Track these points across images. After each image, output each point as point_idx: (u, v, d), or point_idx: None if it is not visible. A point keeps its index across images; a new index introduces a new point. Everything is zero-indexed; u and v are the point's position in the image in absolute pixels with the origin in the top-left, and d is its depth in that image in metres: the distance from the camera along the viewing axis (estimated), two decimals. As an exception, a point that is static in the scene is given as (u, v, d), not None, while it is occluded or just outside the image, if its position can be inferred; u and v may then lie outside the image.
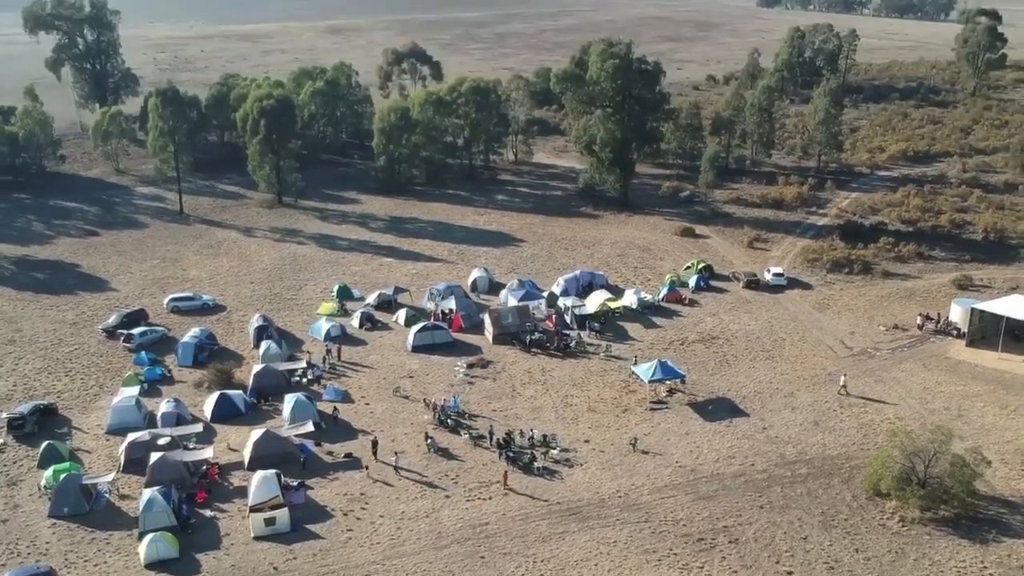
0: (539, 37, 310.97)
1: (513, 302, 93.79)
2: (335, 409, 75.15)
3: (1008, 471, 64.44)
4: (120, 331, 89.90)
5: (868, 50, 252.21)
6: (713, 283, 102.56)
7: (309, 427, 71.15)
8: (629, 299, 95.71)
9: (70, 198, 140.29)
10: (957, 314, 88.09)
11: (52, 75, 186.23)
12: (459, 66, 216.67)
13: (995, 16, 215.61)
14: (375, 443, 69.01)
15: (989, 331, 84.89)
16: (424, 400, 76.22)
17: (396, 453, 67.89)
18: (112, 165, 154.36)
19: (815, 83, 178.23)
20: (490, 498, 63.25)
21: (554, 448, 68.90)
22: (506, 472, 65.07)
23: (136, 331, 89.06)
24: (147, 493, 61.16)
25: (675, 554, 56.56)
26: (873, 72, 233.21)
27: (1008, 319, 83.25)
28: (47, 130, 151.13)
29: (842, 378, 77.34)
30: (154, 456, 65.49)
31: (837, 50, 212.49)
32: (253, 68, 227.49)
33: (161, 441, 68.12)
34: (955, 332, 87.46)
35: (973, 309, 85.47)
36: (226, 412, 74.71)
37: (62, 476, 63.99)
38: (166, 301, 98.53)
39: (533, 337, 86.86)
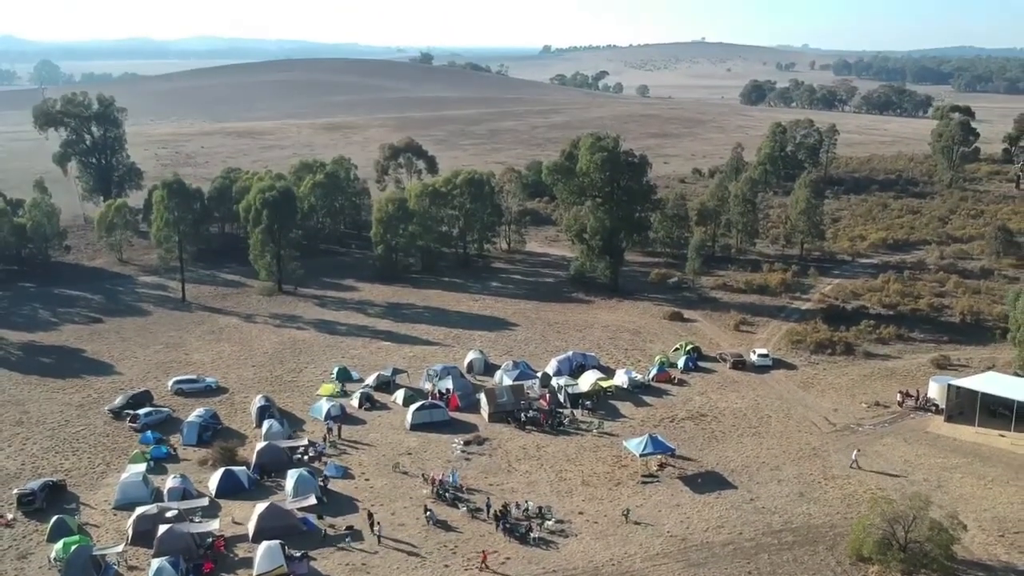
0: (530, 133, 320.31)
1: (508, 382, 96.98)
2: (325, 479, 77.87)
3: (985, 537, 67.18)
4: (126, 412, 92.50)
5: (849, 145, 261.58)
6: (701, 364, 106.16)
7: (312, 500, 73.75)
8: (620, 379, 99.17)
9: (74, 287, 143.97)
10: (935, 391, 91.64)
11: (55, 169, 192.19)
12: (453, 160, 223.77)
13: (968, 112, 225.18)
14: (370, 515, 71.46)
15: (966, 407, 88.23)
16: (423, 475, 78.73)
17: (378, 523, 70.32)
18: (116, 255, 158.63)
19: (797, 176, 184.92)
20: (487, 567, 65.37)
21: (549, 519, 71.28)
22: (484, 552, 66.66)
23: (142, 411, 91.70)
24: (155, 563, 63.45)
25: (667, 617, 58.65)
26: (854, 165, 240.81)
27: (983, 395, 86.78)
28: (53, 221, 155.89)
29: (854, 453, 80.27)
30: (162, 528, 67.62)
31: (818, 144, 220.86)
32: (253, 163, 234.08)
33: (169, 514, 70.28)
34: (934, 408, 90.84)
35: (950, 385, 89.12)
36: (230, 487, 77.05)
37: (72, 548, 65.93)
38: (170, 383, 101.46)
39: (528, 415, 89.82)
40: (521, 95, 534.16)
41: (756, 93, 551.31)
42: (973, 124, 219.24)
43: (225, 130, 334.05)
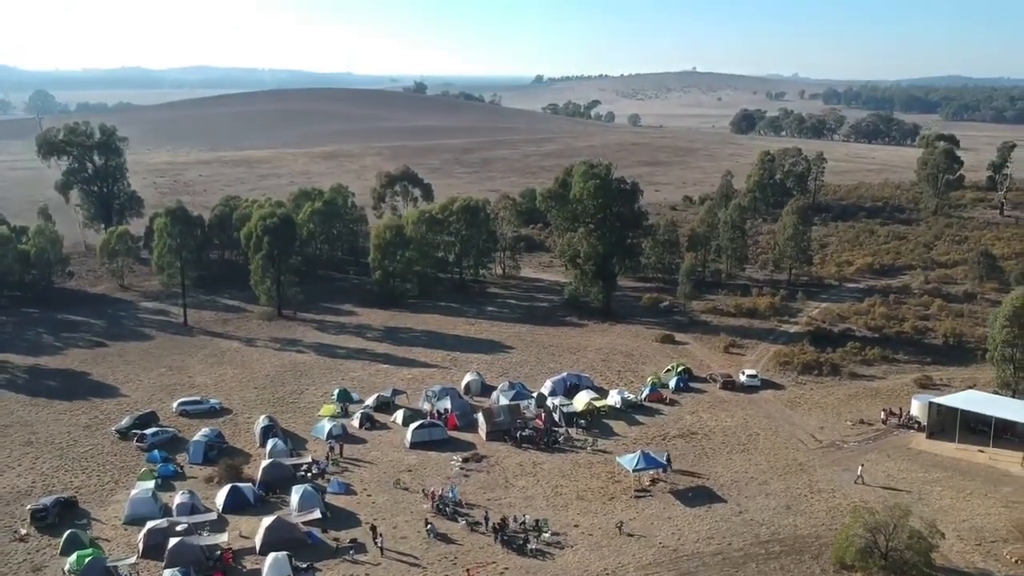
0: (523, 162, 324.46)
1: (505, 402, 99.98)
2: (323, 492, 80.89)
3: (963, 546, 70.28)
4: (133, 432, 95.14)
5: (837, 172, 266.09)
6: (692, 384, 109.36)
7: (316, 515, 76.50)
8: (613, 399, 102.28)
9: (77, 312, 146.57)
10: (917, 409, 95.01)
11: (55, 197, 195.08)
12: (448, 188, 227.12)
13: (952, 140, 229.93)
14: (374, 528, 74.16)
15: (947, 424, 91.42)
16: (423, 490, 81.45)
17: (381, 534, 73.13)
18: (117, 281, 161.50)
19: (786, 203, 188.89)
20: (484, 580, 68.19)
21: (545, 532, 74.02)
22: (468, 570, 69.07)
23: (148, 431, 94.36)
24: (167, 573, 66.18)
25: (659, 622, 61.33)
26: (842, 193, 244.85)
27: (963, 412, 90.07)
28: (57, 248, 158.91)
29: (860, 468, 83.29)
30: (172, 541, 70.18)
31: (806, 172, 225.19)
32: (250, 191, 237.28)
33: (179, 528, 72.98)
34: (916, 426, 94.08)
35: (931, 403, 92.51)
36: (237, 503, 79.62)
37: (87, 559, 68.47)
38: (175, 405, 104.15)
39: (524, 433, 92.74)
40: (514, 124, 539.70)
41: (746, 122, 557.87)
42: (958, 152, 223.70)
43: (222, 159, 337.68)
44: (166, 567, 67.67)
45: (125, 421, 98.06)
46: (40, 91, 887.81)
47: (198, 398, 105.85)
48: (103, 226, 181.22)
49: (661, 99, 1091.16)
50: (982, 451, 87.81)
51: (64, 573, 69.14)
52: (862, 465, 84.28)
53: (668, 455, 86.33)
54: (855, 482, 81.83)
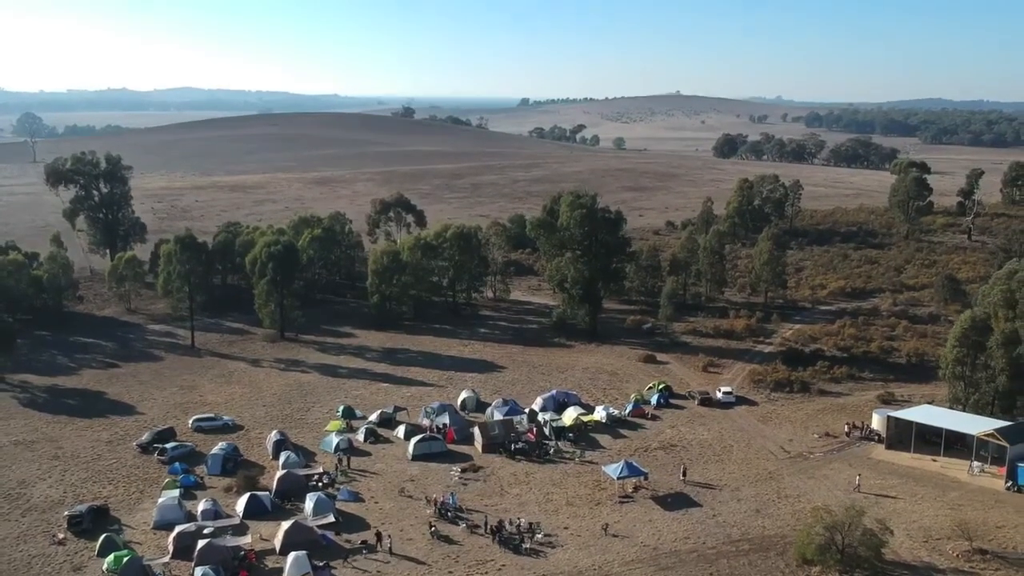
0: (512, 187, 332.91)
1: (499, 417, 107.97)
2: (334, 498, 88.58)
3: (912, 543, 78.60)
4: (154, 446, 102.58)
5: (815, 198, 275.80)
6: (672, 401, 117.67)
7: (330, 519, 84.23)
8: (599, 414, 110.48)
9: (88, 335, 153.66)
10: (877, 422, 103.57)
11: (58, 223, 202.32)
12: (439, 213, 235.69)
13: (923, 168, 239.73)
14: (379, 534, 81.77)
15: (904, 436, 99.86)
16: (426, 497, 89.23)
17: (388, 536, 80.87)
18: (125, 305, 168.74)
19: (764, 228, 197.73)
20: (486, 574, 75.86)
21: (538, 533, 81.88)
22: None
23: (168, 446, 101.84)
24: (198, 571, 73.63)
25: (640, 609, 69.20)
26: (818, 218, 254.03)
27: (918, 425, 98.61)
28: (68, 273, 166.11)
29: (857, 478, 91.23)
30: (201, 543, 77.64)
31: (784, 198, 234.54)
32: (247, 216, 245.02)
33: (206, 531, 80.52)
34: (877, 438, 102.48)
35: (889, 417, 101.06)
36: (256, 510, 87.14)
37: (125, 559, 75.90)
38: (190, 421, 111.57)
39: (517, 446, 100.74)
40: (501, 148, 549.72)
41: (728, 146, 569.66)
42: (935, 176, 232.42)
43: (217, 184, 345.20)
44: (196, 566, 75.03)
45: (146, 436, 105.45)
46: (28, 113, 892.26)
47: (212, 415, 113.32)
48: (108, 252, 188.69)
49: (646, 122, 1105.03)
50: (935, 460, 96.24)
51: (103, 572, 76.48)
52: (859, 475, 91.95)
53: (685, 468, 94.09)
54: (852, 491, 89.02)
